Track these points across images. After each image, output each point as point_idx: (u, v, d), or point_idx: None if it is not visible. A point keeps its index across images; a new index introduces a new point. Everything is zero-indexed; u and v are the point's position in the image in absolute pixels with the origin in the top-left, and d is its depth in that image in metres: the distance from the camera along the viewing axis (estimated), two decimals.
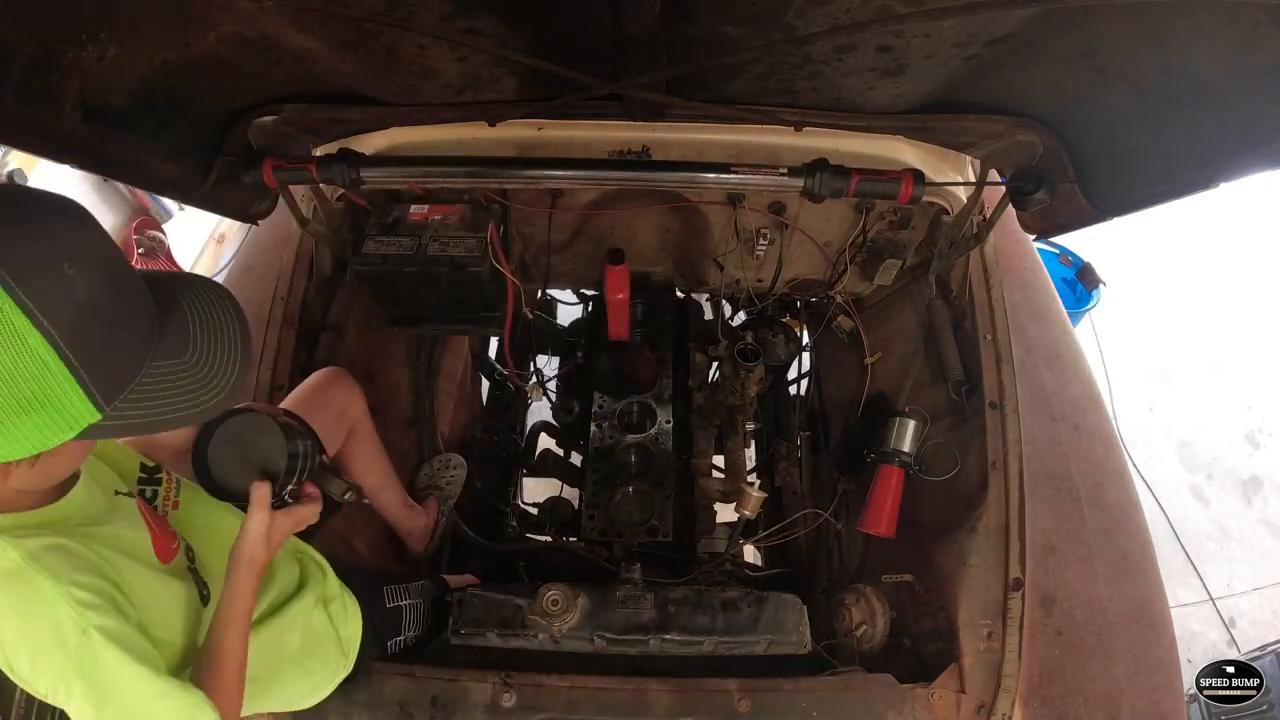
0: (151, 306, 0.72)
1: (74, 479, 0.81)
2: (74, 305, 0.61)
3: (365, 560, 1.62)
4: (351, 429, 1.47)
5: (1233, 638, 2.99)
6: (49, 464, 0.70)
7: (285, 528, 0.93)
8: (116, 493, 0.87)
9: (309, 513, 0.97)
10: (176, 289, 0.77)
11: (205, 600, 0.91)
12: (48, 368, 0.61)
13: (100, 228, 0.68)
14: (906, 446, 1.62)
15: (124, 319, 0.68)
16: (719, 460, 2.16)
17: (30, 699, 2.22)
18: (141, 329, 0.70)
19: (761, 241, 1.87)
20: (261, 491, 0.90)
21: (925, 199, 1.38)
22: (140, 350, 0.70)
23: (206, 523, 0.99)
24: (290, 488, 0.96)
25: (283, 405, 1.36)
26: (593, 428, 2.06)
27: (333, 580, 1.16)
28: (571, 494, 2.21)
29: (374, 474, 1.57)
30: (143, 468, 0.97)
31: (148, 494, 0.95)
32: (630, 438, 2.01)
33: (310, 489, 1.00)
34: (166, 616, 0.83)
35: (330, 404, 1.41)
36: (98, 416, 0.65)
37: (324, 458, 1.06)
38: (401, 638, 1.28)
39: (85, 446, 0.75)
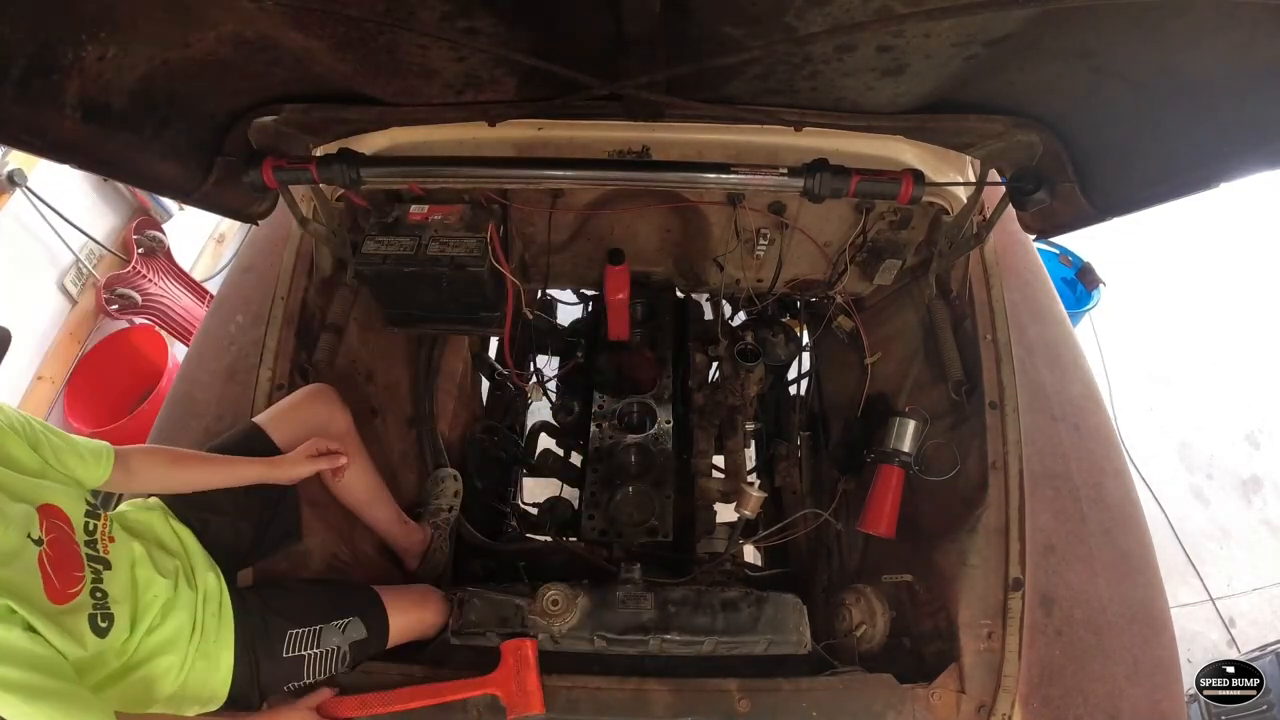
0: None
1: None
2: None
3: (369, 561, 1.62)
4: None
5: (1233, 638, 2.98)
6: None
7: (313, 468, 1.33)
8: (29, 536, 0.92)
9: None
10: None
11: (102, 633, 0.98)
12: None
13: None
14: (906, 446, 1.62)
15: None
16: (719, 460, 2.15)
17: None
18: None
19: (761, 241, 1.87)
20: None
21: (925, 199, 1.39)
22: None
23: (133, 559, 1.10)
24: None
25: (256, 419, 1.37)
26: (593, 428, 2.06)
27: (210, 617, 1.18)
28: (571, 494, 2.21)
29: (361, 489, 1.54)
30: (88, 504, 1.06)
31: (90, 527, 1.05)
32: (630, 438, 2.01)
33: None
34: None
35: (304, 419, 1.40)
36: None
37: None
38: (306, 681, 1.23)
39: None
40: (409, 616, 1.40)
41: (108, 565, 1.04)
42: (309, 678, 1.23)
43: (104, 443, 1.12)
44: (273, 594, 1.30)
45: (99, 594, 1.01)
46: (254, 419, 1.37)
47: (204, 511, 1.26)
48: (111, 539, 1.07)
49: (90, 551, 1.03)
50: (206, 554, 1.25)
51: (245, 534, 1.29)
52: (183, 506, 1.26)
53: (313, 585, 1.40)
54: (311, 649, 1.23)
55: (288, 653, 1.21)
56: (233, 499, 1.28)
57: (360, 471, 1.52)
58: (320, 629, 1.25)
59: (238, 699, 1.17)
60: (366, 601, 1.36)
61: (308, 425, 1.39)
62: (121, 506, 1.24)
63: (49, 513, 0.98)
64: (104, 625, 1.00)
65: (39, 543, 0.93)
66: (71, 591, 0.96)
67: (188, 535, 1.24)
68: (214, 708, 1.16)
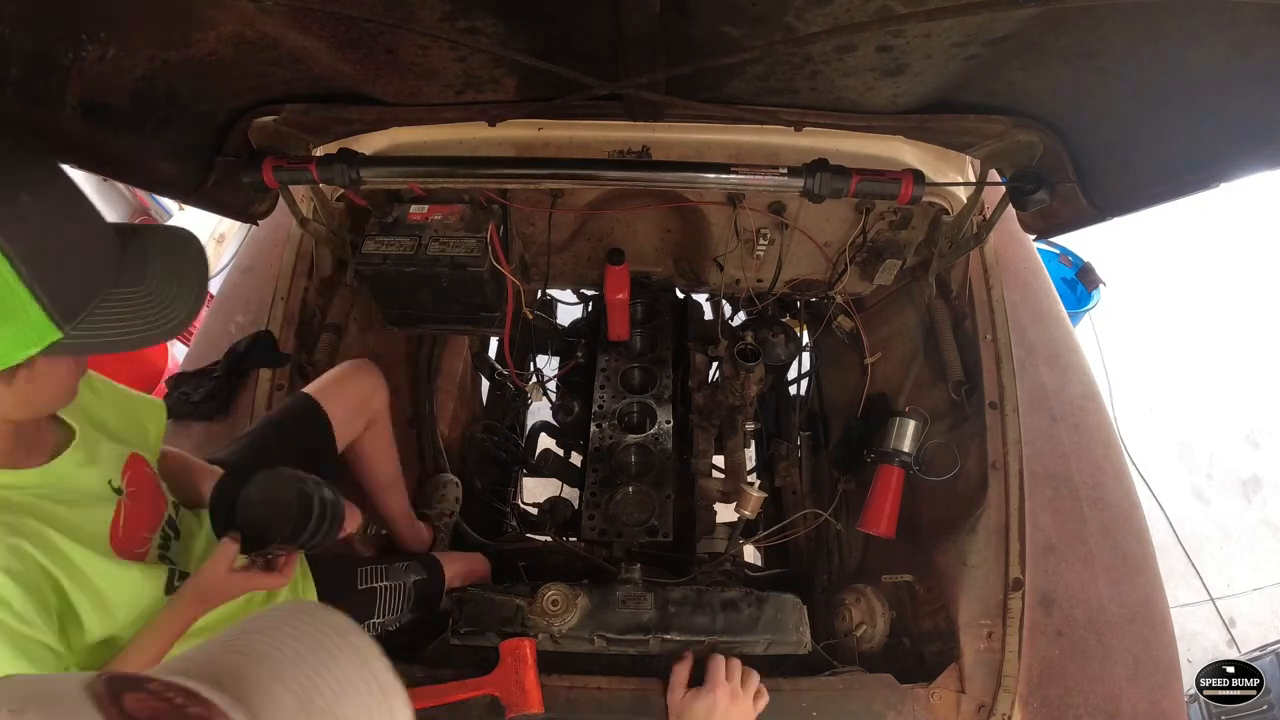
0: (112, 239, 0.78)
1: (63, 446, 0.87)
2: (30, 229, 0.67)
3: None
4: (370, 421, 1.48)
5: (1233, 638, 2.99)
6: (29, 390, 0.76)
7: (245, 588, 0.97)
8: (109, 483, 0.92)
9: (273, 582, 1.00)
10: (143, 231, 0.84)
11: (170, 590, 0.97)
12: (8, 284, 0.66)
13: (59, 169, 0.75)
14: (906, 446, 1.62)
15: (81, 245, 0.74)
16: (719, 460, 2.15)
17: None
18: (99, 257, 0.76)
19: (761, 241, 1.87)
20: (229, 550, 0.94)
21: (925, 199, 1.38)
22: (98, 275, 0.76)
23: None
24: (278, 552, 1.00)
25: (307, 389, 1.39)
26: (593, 427, 2.06)
27: (296, 584, 1.20)
28: (571, 494, 2.21)
29: (384, 473, 1.57)
30: None
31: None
32: (630, 438, 2.01)
33: (285, 560, 1.02)
34: (115, 602, 0.87)
35: (353, 392, 1.43)
36: (58, 334, 0.71)
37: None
38: (378, 619, 1.29)
39: (61, 375, 0.81)
40: (460, 567, 1.54)
41: (177, 530, 1.05)
42: (379, 615, 1.30)
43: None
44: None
45: (169, 553, 1.01)
46: (305, 390, 1.39)
47: None
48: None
49: (171, 512, 1.04)
50: None
51: None
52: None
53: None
54: (381, 581, 1.31)
55: (361, 585, 1.30)
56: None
57: (386, 453, 1.56)
58: (385, 567, 1.34)
59: None
60: (417, 552, 1.48)
61: (350, 398, 1.43)
62: None
63: (135, 463, 0.98)
64: (177, 584, 0.99)
65: (119, 492, 0.93)
66: (139, 551, 0.95)
67: None
68: None
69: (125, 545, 0.91)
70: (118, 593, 0.87)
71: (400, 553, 1.45)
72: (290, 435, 1.32)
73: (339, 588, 1.26)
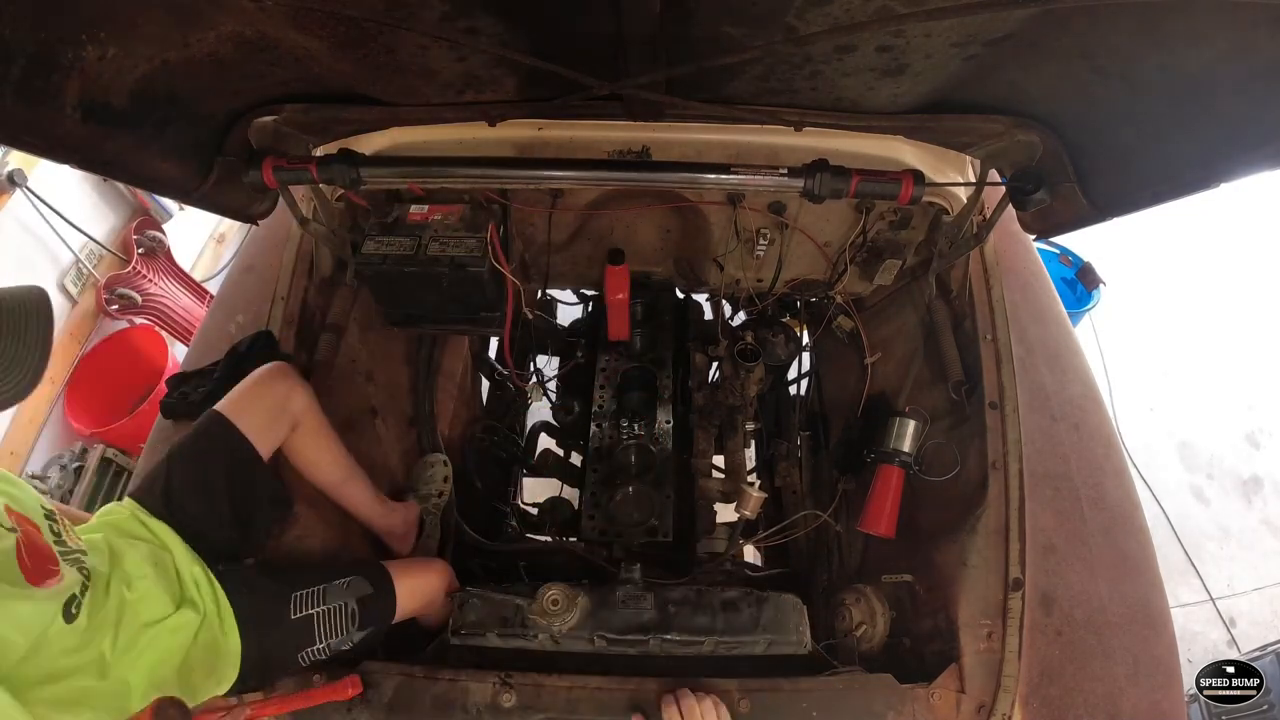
0: None
1: None
2: None
3: (362, 549, 1.62)
4: (295, 422, 1.40)
5: (1233, 638, 2.99)
6: None
7: None
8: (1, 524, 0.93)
9: None
10: None
11: (69, 619, 0.94)
12: None
13: None
14: (906, 446, 1.62)
15: None
16: (719, 460, 2.16)
17: None
18: None
19: (761, 241, 1.87)
20: None
21: (925, 199, 1.38)
22: None
23: (109, 550, 1.10)
24: None
25: (216, 406, 1.32)
26: (593, 427, 2.06)
27: (208, 602, 1.16)
28: (571, 494, 2.21)
29: (329, 468, 1.49)
30: (45, 511, 1.03)
31: (54, 529, 1.02)
32: (630, 438, 2.01)
33: None
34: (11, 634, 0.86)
35: (264, 399, 1.35)
36: None
37: None
38: (320, 644, 1.23)
39: None
40: (414, 580, 1.41)
41: (84, 553, 1.03)
42: (320, 640, 1.23)
43: None
44: (270, 568, 1.30)
45: (82, 582, 0.99)
46: (215, 406, 1.32)
47: (177, 501, 1.24)
48: (78, 539, 1.06)
49: (61, 547, 1.00)
50: (186, 545, 1.21)
51: (225, 516, 1.26)
52: (155, 503, 1.23)
53: (309, 559, 1.41)
54: (318, 606, 1.23)
55: (295, 614, 1.21)
56: (203, 484, 1.25)
57: (326, 449, 1.47)
58: (324, 587, 1.25)
59: (247, 677, 1.17)
60: (366, 562, 1.38)
61: (264, 404, 1.35)
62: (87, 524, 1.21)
63: (11, 512, 0.96)
64: (76, 612, 0.96)
65: (12, 530, 0.92)
66: (49, 582, 0.94)
67: (162, 528, 1.21)
68: (223, 689, 1.15)
69: (38, 577, 0.92)
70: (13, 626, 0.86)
71: (341, 567, 1.34)
72: (205, 454, 1.27)
73: (269, 621, 1.19)
